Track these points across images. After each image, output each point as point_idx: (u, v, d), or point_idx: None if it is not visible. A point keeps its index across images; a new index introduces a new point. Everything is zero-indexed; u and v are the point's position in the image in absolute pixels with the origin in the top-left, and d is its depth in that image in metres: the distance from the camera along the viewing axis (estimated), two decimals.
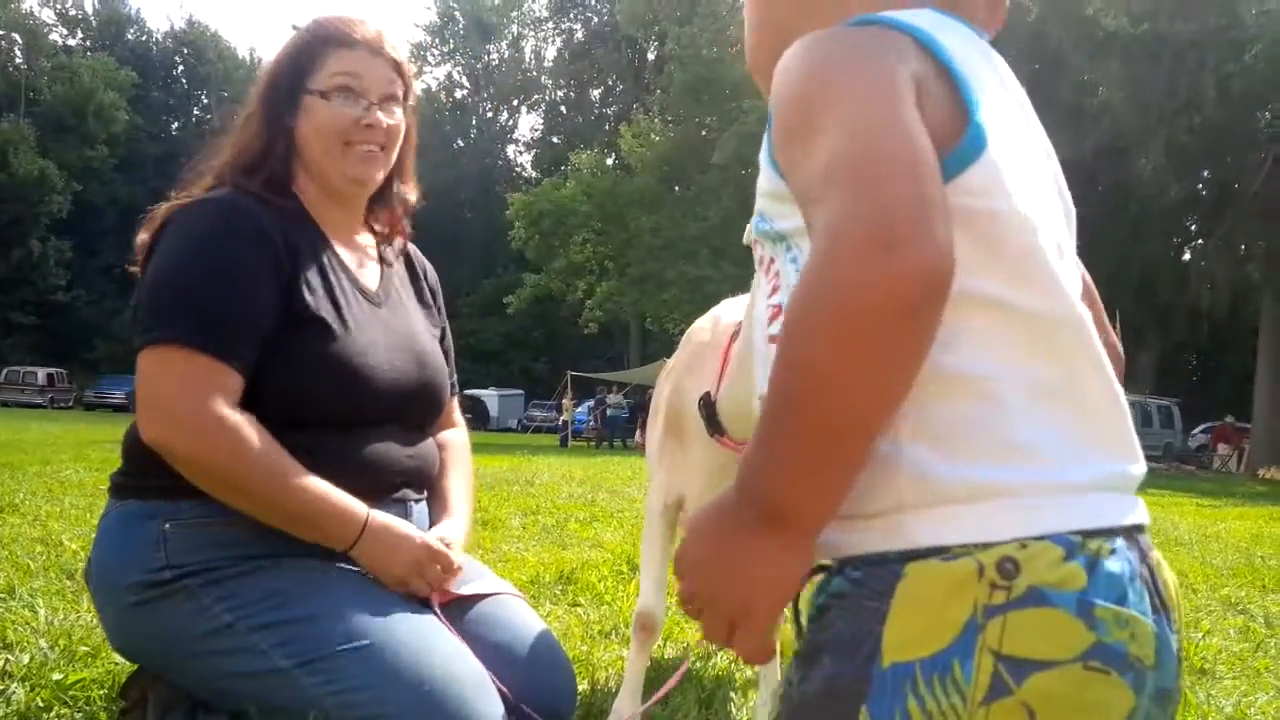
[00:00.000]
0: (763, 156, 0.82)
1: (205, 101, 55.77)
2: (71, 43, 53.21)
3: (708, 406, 2.06)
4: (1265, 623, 3.93)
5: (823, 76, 0.75)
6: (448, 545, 1.76)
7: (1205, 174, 27.73)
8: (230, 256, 1.62)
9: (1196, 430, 30.50)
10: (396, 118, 1.79)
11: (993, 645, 0.67)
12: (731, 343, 2.01)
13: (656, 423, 2.38)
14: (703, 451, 2.19)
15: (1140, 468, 0.78)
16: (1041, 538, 0.69)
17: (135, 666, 1.78)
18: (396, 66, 1.79)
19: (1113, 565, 0.70)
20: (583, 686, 2.44)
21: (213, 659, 1.55)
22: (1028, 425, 0.72)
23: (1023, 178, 0.76)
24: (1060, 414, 0.73)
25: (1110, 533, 0.71)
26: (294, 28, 1.87)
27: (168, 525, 1.59)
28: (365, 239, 1.90)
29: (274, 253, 1.65)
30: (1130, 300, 26.24)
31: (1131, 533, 0.74)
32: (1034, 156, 0.81)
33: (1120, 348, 0.90)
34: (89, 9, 55.10)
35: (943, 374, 0.71)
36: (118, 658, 1.98)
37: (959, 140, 0.73)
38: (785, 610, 0.76)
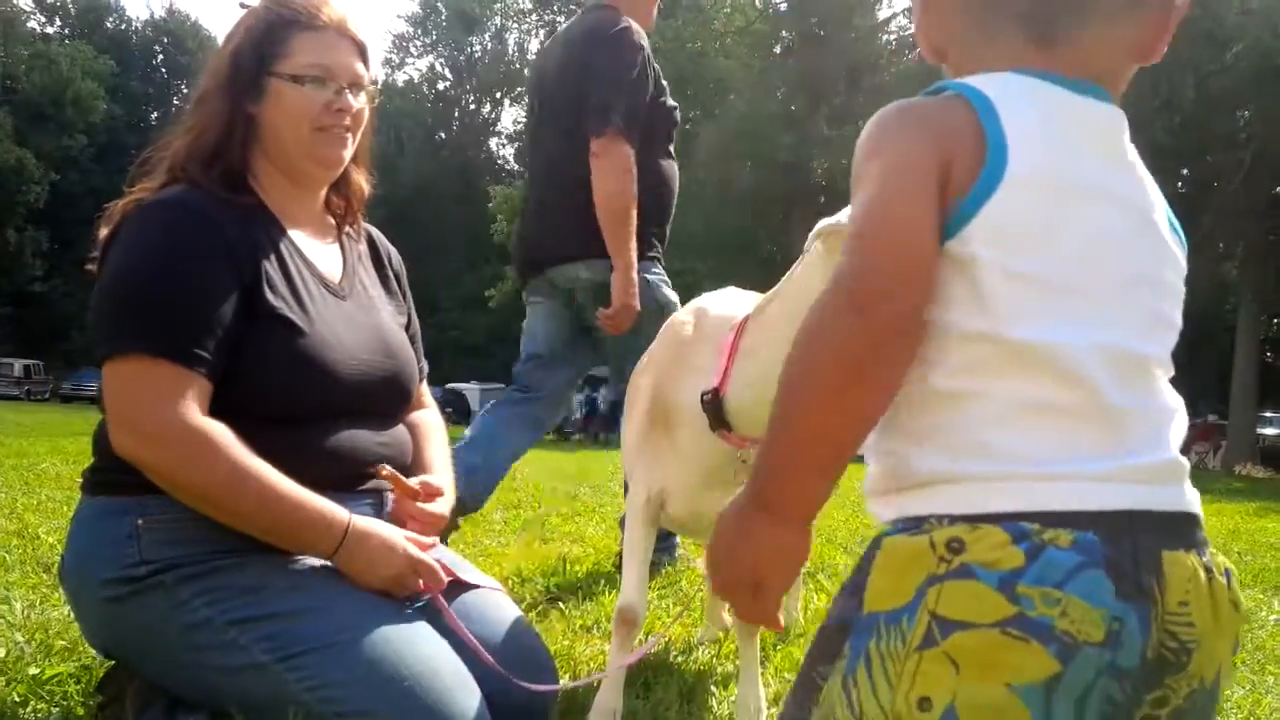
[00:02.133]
0: None
1: (185, 91, 55.23)
2: (50, 30, 52.67)
3: (713, 403, 2.04)
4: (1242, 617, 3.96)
5: (874, 147, 0.91)
6: (435, 492, 1.77)
7: (1185, 172, 27.95)
8: (189, 260, 1.60)
9: None
10: (362, 101, 1.78)
11: (930, 606, 0.81)
12: (736, 338, 1.98)
13: (634, 416, 2.37)
14: (692, 445, 2.17)
15: (1148, 458, 0.86)
16: (993, 520, 0.82)
17: (112, 662, 1.77)
18: (360, 50, 1.78)
19: (1059, 554, 0.80)
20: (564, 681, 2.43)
21: (191, 654, 1.54)
22: (1000, 430, 0.84)
23: (1036, 233, 0.86)
24: (1040, 423, 0.84)
25: (1076, 523, 0.81)
26: (242, 5, 1.84)
27: (141, 520, 1.57)
28: (327, 228, 1.89)
29: (233, 253, 1.63)
30: None
31: (1122, 524, 0.82)
32: (1081, 214, 0.88)
33: None
34: None
35: (935, 391, 0.87)
36: (95, 652, 1.96)
37: (965, 199, 0.86)
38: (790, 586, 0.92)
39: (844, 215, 1.91)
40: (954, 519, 0.83)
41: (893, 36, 34.74)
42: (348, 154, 1.79)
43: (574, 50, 3.36)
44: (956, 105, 0.89)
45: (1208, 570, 0.85)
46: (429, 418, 2.01)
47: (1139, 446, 0.85)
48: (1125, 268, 0.89)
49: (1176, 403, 0.91)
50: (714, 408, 2.03)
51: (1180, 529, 0.85)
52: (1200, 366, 34.82)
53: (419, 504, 1.74)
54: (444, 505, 1.80)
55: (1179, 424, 0.90)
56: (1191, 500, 0.88)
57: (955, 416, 0.86)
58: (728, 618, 3.17)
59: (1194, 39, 23.17)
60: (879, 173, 0.88)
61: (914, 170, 0.86)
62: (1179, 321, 0.94)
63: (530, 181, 3.72)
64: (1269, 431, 27.61)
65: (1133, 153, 0.94)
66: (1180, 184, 28.38)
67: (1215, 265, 26.70)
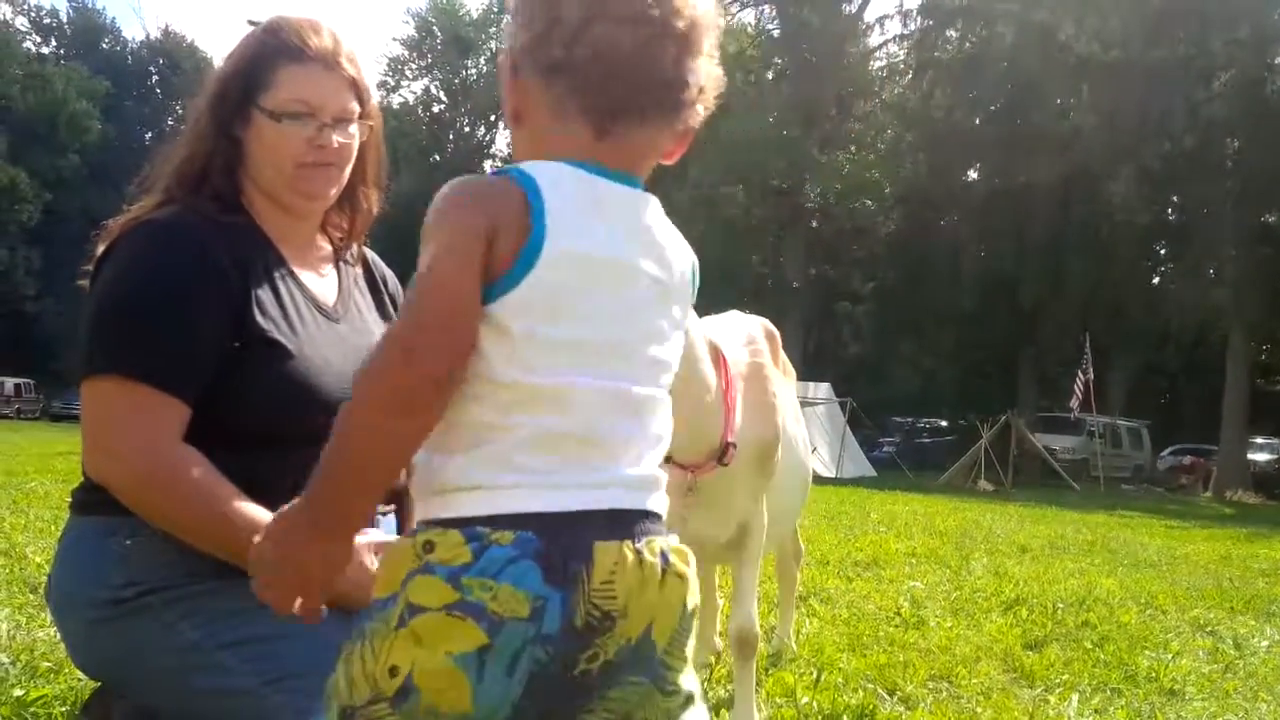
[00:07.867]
0: None
1: (180, 112, 55.17)
2: (45, 51, 52.70)
3: None
4: (1234, 644, 3.96)
5: (438, 217, 1.07)
6: None
7: (1175, 199, 28.10)
8: (176, 284, 1.59)
9: (1165, 452, 30.75)
10: (350, 135, 1.73)
11: (407, 596, 1.02)
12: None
13: None
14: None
15: (625, 472, 1.09)
16: (455, 525, 1.03)
17: (98, 684, 1.75)
18: (352, 83, 1.73)
19: (499, 551, 1.01)
20: None
21: (178, 677, 1.52)
22: (518, 451, 1.05)
23: (563, 304, 1.07)
24: (545, 446, 1.06)
25: (522, 524, 1.02)
26: (250, 24, 1.81)
27: (130, 541, 1.56)
28: (322, 249, 1.87)
29: (222, 277, 1.62)
30: (1101, 323, 26.43)
31: (564, 523, 1.04)
32: (601, 284, 1.10)
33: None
34: (63, 17, 54.72)
35: (477, 421, 1.06)
36: (81, 674, 1.94)
37: (509, 271, 1.05)
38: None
39: None
40: (429, 524, 1.05)
41: (883, 64, 35.00)
42: (333, 189, 1.76)
43: None
44: (510, 187, 1.07)
45: (638, 553, 1.07)
46: None
47: (623, 463, 1.09)
48: (637, 327, 1.12)
49: (664, 431, 1.15)
50: None
51: (628, 524, 1.08)
52: (1190, 392, 34.93)
53: None
54: None
55: (661, 448, 1.14)
56: (654, 501, 1.12)
57: (481, 438, 1.06)
58: (719, 641, 3.16)
59: (1184, 67, 23.37)
60: (436, 243, 1.05)
61: (464, 244, 1.04)
62: (675, 362, 1.17)
63: None
64: (1260, 457, 27.67)
65: (658, 224, 1.17)
66: (1170, 210, 28.55)
67: (1205, 291, 26.78)
